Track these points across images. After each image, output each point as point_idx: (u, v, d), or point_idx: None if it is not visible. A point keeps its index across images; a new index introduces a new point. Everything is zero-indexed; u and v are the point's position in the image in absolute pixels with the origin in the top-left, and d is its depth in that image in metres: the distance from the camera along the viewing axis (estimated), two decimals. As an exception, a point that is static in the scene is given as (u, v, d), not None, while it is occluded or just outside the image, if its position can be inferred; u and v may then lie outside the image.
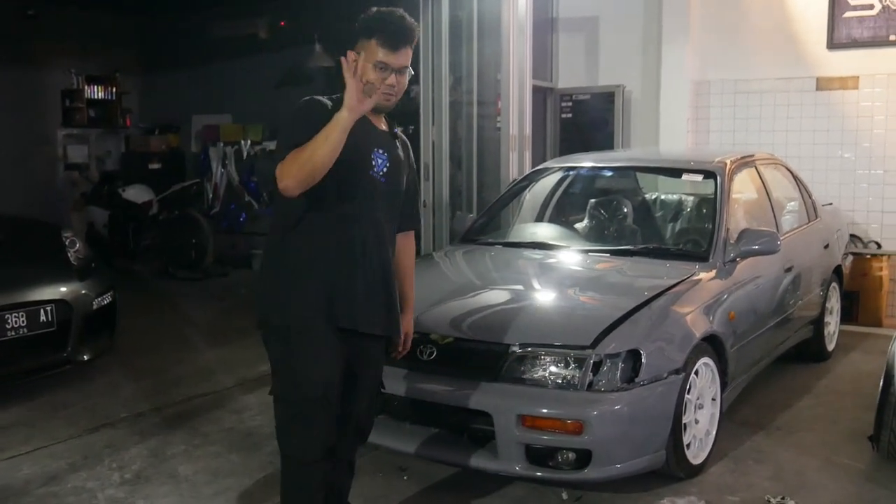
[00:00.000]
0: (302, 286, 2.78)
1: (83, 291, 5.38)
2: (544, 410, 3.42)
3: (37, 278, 5.27)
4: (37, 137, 10.57)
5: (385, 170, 2.86)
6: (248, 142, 10.27)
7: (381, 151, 2.85)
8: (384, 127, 2.94)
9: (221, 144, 10.46)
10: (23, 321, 5.02)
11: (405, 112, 8.70)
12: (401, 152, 2.98)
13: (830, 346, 5.94)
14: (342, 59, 2.71)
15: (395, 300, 2.96)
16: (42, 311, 5.12)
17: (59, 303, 5.20)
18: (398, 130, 3.00)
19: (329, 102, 2.73)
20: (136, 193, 9.88)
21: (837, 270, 6.01)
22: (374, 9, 2.81)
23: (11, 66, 10.04)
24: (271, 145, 10.08)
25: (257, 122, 10.31)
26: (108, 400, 5.19)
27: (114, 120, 11.25)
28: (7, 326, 4.94)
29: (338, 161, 2.61)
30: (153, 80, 11.53)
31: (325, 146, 2.57)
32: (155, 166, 10.94)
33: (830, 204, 6.54)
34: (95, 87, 10.98)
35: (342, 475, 3.10)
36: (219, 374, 5.70)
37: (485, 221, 5.39)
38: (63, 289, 5.28)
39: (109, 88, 11.16)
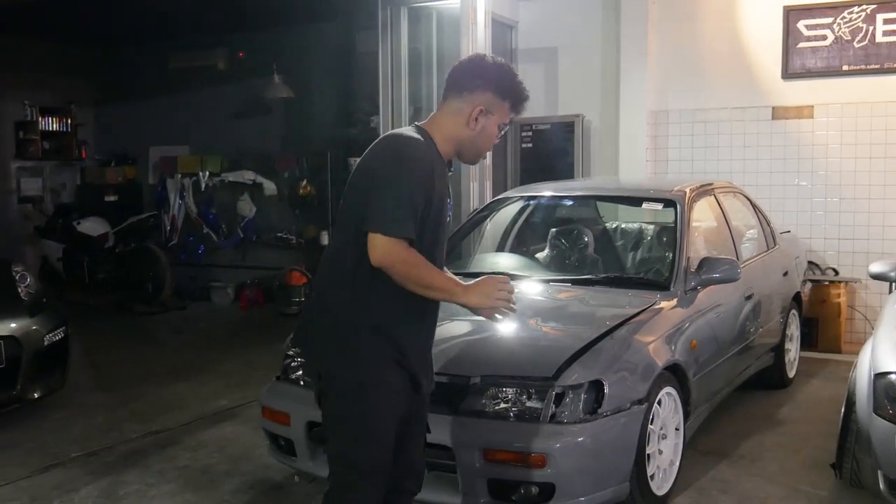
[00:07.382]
0: (381, 339, 2.67)
1: (34, 327, 5.27)
2: (506, 444, 3.36)
3: (-15, 314, 5.15)
4: (-11, 170, 10.38)
5: (449, 217, 2.86)
6: (207, 173, 10.16)
7: (449, 202, 2.82)
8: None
9: (179, 176, 10.34)
10: (-30, 358, 4.91)
11: (363, 141, 8.70)
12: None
13: (791, 374, 5.96)
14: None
15: None
16: (-10, 348, 5.00)
17: (7, 339, 5.09)
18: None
19: (425, 146, 2.68)
20: (92, 226, 9.71)
21: (797, 297, 6.05)
22: (502, 65, 2.81)
23: (-36, 97, 9.90)
24: (230, 176, 10.02)
25: (215, 153, 10.21)
26: (59, 438, 5.03)
27: (69, 152, 11.04)
28: (-47, 364, 4.83)
29: (430, 220, 2.65)
30: (109, 111, 11.36)
31: (428, 292, 2.62)
32: (111, 198, 10.76)
33: (788, 231, 6.61)
34: (50, 118, 10.79)
35: None
36: (174, 411, 5.55)
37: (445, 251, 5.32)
38: (12, 325, 5.17)
39: (64, 120, 10.96)
